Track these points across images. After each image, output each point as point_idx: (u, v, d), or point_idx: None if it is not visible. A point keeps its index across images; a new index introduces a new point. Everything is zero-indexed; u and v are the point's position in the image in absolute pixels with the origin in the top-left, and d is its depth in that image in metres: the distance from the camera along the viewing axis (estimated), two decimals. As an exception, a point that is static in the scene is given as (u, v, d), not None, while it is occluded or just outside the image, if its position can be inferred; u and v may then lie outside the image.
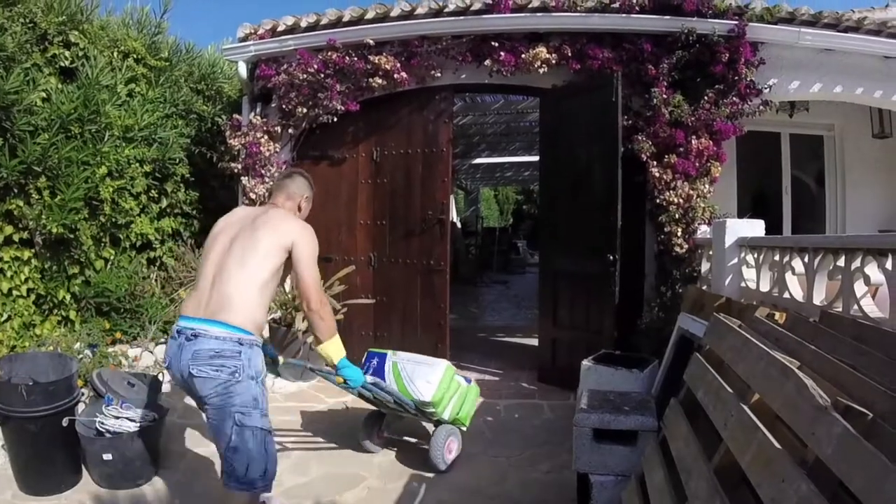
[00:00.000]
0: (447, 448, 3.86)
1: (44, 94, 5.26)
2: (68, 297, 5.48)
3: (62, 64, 5.65)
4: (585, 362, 4.17)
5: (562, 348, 5.63)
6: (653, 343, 4.79)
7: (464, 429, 4.04)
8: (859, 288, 3.01)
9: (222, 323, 2.62)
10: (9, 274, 5.03)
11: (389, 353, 3.96)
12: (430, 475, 3.77)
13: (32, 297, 5.27)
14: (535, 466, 3.92)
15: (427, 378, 3.75)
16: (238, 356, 2.61)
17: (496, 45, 5.58)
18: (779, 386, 1.85)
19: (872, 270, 2.93)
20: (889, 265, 2.77)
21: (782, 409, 1.79)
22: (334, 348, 2.95)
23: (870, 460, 1.31)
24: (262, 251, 2.74)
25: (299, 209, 3.12)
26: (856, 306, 3.00)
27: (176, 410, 4.71)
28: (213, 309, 2.65)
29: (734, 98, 5.26)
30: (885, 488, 1.23)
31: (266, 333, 2.96)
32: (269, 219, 2.87)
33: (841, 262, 3.17)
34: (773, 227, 6.60)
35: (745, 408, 1.97)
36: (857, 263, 3.01)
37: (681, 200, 5.23)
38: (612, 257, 4.94)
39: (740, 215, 5.88)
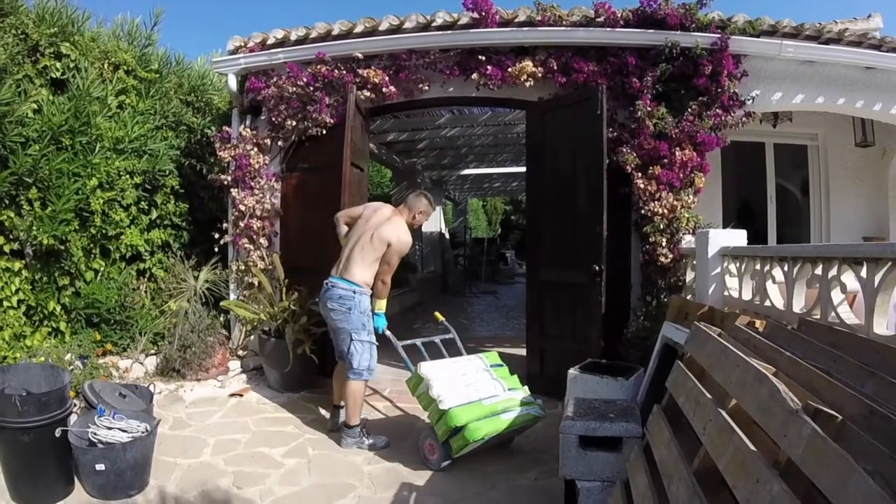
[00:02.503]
0: (424, 445, 4.10)
1: (35, 106, 5.30)
2: (58, 308, 5.49)
3: (53, 75, 5.69)
4: (572, 371, 4.22)
5: (549, 358, 5.67)
6: (638, 352, 4.84)
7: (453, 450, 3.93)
8: (836, 296, 3.09)
9: (346, 280, 4.33)
10: (-1, 285, 5.05)
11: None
12: (420, 483, 3.81)
13: (23, 308, 5.28)
14: (522, 474, 3.96)
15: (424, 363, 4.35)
16: (353, 298, 4.29)
17: (483, 58, 5.66)
18: (753, 391, 1.91)
19: (849, 278, 3.01)
20: (864, 273, 2.84)
21: (757, 412, 1.85)
22: (380, 304, 4.49)
23: (836, 460, 1.37)
24: (374, 243, 4.33)
25: (414, 218, 4.54)
26: (833, 313, 3.08)
27: (167, 421, 4.73)
28: (342, 271, 4.38)
29: (717, 110, 5.35)
30: (850, 486, 1.29)
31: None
32: (385, 225, 4.38)
33: (819, 270, 3.25)
34: (759, 236, 6.73)
35: (723, 412, 2.03)
36: (833, 272, 3.08)
37: (665, 211, 5.30)
38: (597, 267, 4.99)
39: (725, 224, 5.98)
